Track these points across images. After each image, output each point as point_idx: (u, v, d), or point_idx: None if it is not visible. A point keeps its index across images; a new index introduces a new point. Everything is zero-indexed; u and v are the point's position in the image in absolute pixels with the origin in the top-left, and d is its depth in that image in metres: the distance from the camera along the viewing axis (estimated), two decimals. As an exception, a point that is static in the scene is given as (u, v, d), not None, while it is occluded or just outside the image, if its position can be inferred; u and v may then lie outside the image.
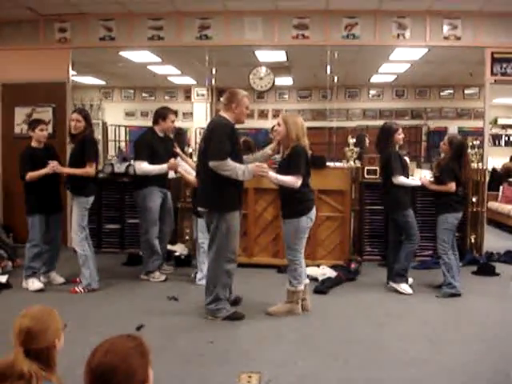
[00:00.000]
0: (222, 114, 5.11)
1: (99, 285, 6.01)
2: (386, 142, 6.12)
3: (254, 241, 7.17)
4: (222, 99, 5.30)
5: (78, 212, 5.92)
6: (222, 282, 5.04)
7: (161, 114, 6.51)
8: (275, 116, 14.69)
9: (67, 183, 6.05)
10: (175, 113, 6.67)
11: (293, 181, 5.01)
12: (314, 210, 5.20)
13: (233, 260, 5.07)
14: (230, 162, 4.80)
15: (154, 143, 6.37)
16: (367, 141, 9.68)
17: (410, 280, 6.15)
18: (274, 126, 5.33)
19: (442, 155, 6.18)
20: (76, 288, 5.91)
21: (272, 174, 5.07)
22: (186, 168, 6.67)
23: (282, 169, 5.14)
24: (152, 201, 6.37)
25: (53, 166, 5.82)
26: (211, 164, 4.79)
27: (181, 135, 9.02)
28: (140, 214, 6.56)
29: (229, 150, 4.80)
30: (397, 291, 6.00)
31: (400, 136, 6.15)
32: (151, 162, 6.29)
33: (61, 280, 6.27)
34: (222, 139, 4.82)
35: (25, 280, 6.01)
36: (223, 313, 5.05)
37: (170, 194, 6.71)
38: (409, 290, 5.99)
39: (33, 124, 6.09)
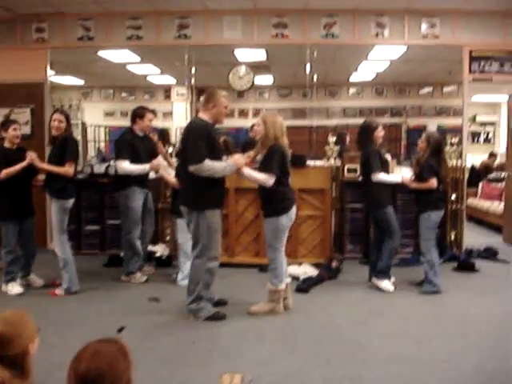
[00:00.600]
0: (201, 114, 5.11)
1: (79, 287, 5.96)
2: (366, 140, 6.15)
3: (235, 240, 7.17)
4: (201, 99, 5.26)
5: (57, 215, 5.84)
6: (203, 280, 5.03)
7: (138, 114, 6.47)
8: (255, 115, 14.67)
9: (45, 185, 5.98)
10: (153, 112, 6.63)
11: (264, 179, 5.04)
12: (293, 209, 5.20)
13: (215, 258, 5.06)
14: (207, 163, 4.79)
15: (134, 142, 6.33)
16: (348, 139, 9.73)
17: (392, 278, 6.18)
18: (254, 125, 5.34)
19: (419, 153, 6.21)
20: (56, 291, 5.86)
21: (245, 170, 5.10)
22: (167, 168, 6.65)
23: (261, 168, 5.16)
24: (134, 201, 6.33)
25: (31, 156, 5.77)
26: (190, 168, 4.80)
27: (165, 135, 9.00)
28: (122, 215, 6.51)
29: (205, 152, 4.79)
30: (378, 289, 6.03)
31: (380, 134, 6.19)
32: (132, 162, 6.25)
33: (40, 282, 6.22)
34: (197, 142, 4.81)
35: (4, 284, 5.96)
36: (204, 312, 5.04)
37: (150, 194, 6.67)
38: (390, 288, 6.03)
39: (5, 124, 6.01)
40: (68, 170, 5.80)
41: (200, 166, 4.76)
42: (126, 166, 6.23)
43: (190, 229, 5.04)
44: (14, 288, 5.91)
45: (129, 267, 6.45)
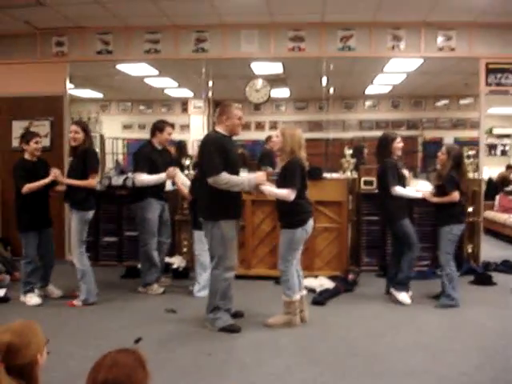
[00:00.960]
0: (216, 127, 5.16)
1: (97, 298, 6.00)
2: (384, 152, 6.15)
3: (251, 252, 7.18)
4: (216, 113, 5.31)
5: (77, 226, 5.89)
6: (221, 290, 5.07)
7: (158, 127, 6.54)
8: (272, 128, 14.75)
9: (66, 197, 6.05)
10: (172, 125, 6.71)
11: (286, 194, 5.05)
12: (310, 222, 5.22)
13: (231, 268, 5.09)
14: (224, 175, 4.83)
15: (152, 155, 6.40)
16: (365, 151, 9.72)
17: (409, 292, 6.16)
18: (270, 136, 5.38)
19: (438, 166, 6.19)
20: (74, 302, 5.91)
21: (266, 188, 5.12)
22: (184, 181, 6.70)
23: (279, 181, 5.19)
24: (151, 212, 6.38)
25: (55, 173, 5.85)
26: (209, 181, 4.85)
27: (182, 148, 9.08)
28: (139, 226, 6.56)
29: (220, 163, 4.83)
30: (395, 302, 6.01)
31: (399, 145, 6.16)
32: (150, 174, 6.31)
33: (58, 293, 6.27)
34: (212, 154, 4.87)
35: (23, 295, 6.02)
36: (220, 323, 5.07)
37: (167, 206, 6.72)
38: (407, 301, 6.00)
39: (27, 136, 6.07)
40: (91, 182, 5.88)
41: (217, 177, 4.81)
42: (143, 177, 6.30)
43: (207, 240, 5.08)
44: (33, 299, 5.96)
45: (146, 279, 6.49)
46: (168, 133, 6.56)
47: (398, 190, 6.04)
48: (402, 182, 6.20)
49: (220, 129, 5.11)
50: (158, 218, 6.46)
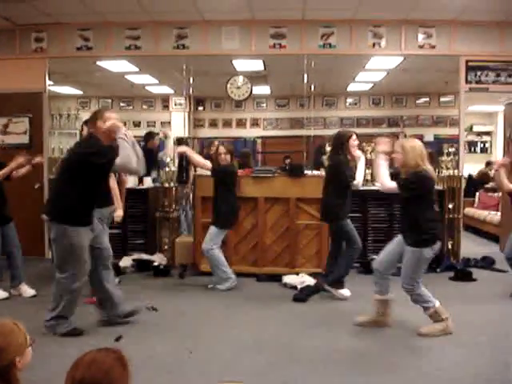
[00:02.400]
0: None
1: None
2: (339, 150, 6.08)
3: (232, 249, 7.17)
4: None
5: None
6: (66, 299, 4.81)
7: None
8: (253, 125, 14.78)
9: None
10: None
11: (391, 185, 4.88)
12: (438, 240, 4.93)
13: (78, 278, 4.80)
14: None
15: None
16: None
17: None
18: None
19: None
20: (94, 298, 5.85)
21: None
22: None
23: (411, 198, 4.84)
24: None
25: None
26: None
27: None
28: None
29: None
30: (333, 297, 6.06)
31: (355, 142, 6.09)
32: None
33: (32, 292, 6.17)
34: None
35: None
36: (61, 329, 4.82)
37: None
38: (347, 294, 6.11)
39: None
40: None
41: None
42: None
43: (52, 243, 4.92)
44: None
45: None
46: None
47: (357, 182, 6.10)
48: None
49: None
50: None
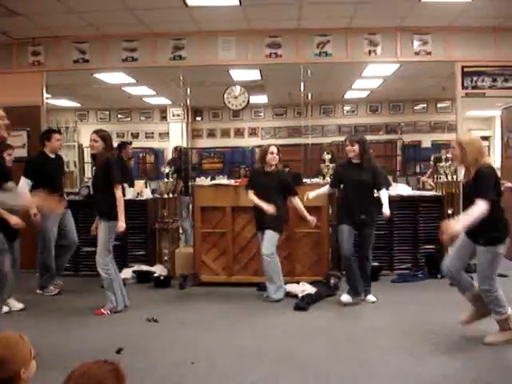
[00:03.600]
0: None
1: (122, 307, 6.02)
2: None
3: (233, 259, 7.17)
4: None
5: (105, 236, 5.86)
6: None
7: (45, 136, 6.83)
8: (251, 134, 14.81)
9: (95, 207, 6.08)
10: (59, 132, 7.13)
11: (481, 210, 4.45)
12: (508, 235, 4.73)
13: None
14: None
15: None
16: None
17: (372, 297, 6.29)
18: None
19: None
20: (102, 310, 5.86)
21: (458, 225, 4.54)
22: None
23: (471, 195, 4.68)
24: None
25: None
26: None
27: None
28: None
29: None
30: (377, 304, 6.03)
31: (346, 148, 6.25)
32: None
33: (20, 306, 6.09)
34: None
35: None
36: None
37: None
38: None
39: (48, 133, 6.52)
40: (116, 193, 5.88)
41: None
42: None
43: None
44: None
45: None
46: (56, 139, 6.78)
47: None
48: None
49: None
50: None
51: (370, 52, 8.12)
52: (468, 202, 4.71)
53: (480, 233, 4.62)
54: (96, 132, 6.00)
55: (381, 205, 6.07)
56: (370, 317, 5.70)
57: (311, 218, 6.57)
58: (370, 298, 6.28)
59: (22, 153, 8.02)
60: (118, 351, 4.59)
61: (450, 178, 7.75)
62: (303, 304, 6.08)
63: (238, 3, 6.95)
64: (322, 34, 8.07)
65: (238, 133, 14.93)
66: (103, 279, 5.89)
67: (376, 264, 7.44)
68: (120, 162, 7.01)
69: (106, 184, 5.83)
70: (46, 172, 6.46)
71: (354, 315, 5.77)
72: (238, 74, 9.70)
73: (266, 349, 4.78)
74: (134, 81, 10.34)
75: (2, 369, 2.08)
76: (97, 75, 9.47)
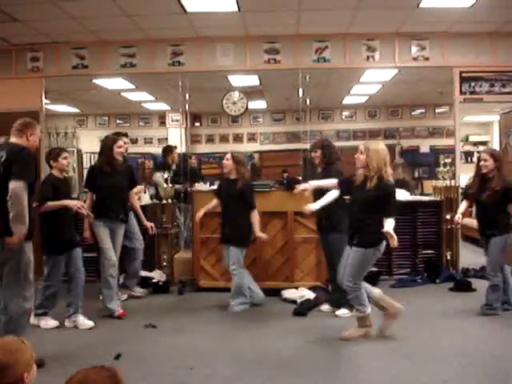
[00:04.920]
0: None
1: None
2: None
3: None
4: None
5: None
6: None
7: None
8: (250, 140, 14.84)
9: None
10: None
11: (393, 223, 4.95)
12: (383, 241, 5.07)
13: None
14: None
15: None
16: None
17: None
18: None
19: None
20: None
21: (388, 229, 4.89)
22: None
23: (368, 202, 4.98)
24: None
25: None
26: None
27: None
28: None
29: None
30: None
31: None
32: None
33: (90, 324, 5.70)
34: None
35: (35, 318, 5.51)
36: None
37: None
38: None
39: (55, 152, 5.78)
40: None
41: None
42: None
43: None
44: (49, 322, 5.69)
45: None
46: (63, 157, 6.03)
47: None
48: None
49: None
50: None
51: (368, 58, 8.13)
52: (356, 204, 5.09)
53: (359, 236, 5.02)
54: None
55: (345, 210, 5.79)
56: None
57: (263, 236, 6.34)
58: (339, 312, 6.06)
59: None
60: (117, 357, 4.59)
61: (448, 182, 7.77)
62: (302, 310, 6.09)
63: (236, 9, 6.97)
64: (320, 39, 8.08)
65: (237, 138, 14.95)
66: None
67: (375, 269, 7.44)
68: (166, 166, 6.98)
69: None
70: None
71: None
72: (236, 80, 9.72)
73: (266, 355, 4.78)
74: (133, 86, 10.36)
75: (6, 374, 2.11)
76: (96, 81, 9.49)
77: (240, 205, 6.21)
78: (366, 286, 5.23)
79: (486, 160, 5.77)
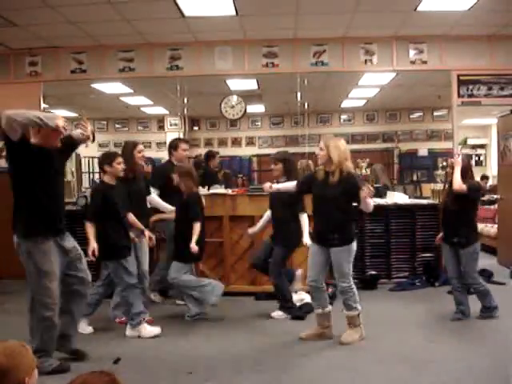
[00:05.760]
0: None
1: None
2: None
3: (230, 268, 7.16)
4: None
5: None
6: (43, 331, 4.33)
7: (171, 145, 6.78)
8: (248, 144, 14.86)
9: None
10: (186, 142, 6.89)
11: (371, 206, 5.07)
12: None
13: (50, 306, 4.33)
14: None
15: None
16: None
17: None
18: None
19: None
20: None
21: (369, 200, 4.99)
22: None
23: (339, 199, 5.02)
24: None
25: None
26: None
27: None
28: None
29: None
30: (375, 314, 6.03)
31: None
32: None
33: (155, 331, 5.52)
34: None
35: (131, 329, 5.44)
36: (48, 367, 4.28)
37: None
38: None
39: (110, 157, 5.51)
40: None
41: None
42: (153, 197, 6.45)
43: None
44: (148, 328, 5.48)
45: None
46: (182, 149, 6.63)
47: None
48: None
49: None
50: None
51: (366, 61, 8.14)
52: (322, 201, 5.10)
53: (337, 233, 5.05)
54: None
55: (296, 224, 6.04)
56: (366, 326, 5.67)
57: (194, 248, 5.88)
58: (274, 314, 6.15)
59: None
60: (116, 361, 4.59)
61: (447, 185, 7.76)
62: (301, 313, 6.08)
63: (234, 13, 6.98)
64: (318, 43, 8.09)
65: (236, 142, 14.98)
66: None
67: (374, 273, 7.46)
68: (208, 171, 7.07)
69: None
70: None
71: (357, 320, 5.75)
72: (234, 84, 9.74)
73: (264, 358, 4.78)
74: (131, 91, 10.37)
75: (8, 378, 2.10)
76: (94, 85, 9.51)
77: (184, 217, 6.00)
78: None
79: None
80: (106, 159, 5.45)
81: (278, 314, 6.11)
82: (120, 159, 5.44)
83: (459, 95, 8.08)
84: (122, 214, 5.42)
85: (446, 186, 6.07)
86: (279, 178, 6.06)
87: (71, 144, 4.73)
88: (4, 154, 4.32)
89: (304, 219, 6.05)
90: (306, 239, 5.88)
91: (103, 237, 5.25)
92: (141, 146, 5.99)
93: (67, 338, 4.62)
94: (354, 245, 5.12)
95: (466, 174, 5.73)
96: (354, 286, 5.18)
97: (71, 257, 4.52)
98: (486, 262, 8.76)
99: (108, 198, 5.32)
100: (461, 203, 5.61)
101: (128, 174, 5.70)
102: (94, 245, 5.11)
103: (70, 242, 4.57)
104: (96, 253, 5.10)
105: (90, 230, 5.22)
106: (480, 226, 10.22)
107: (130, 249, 5.45)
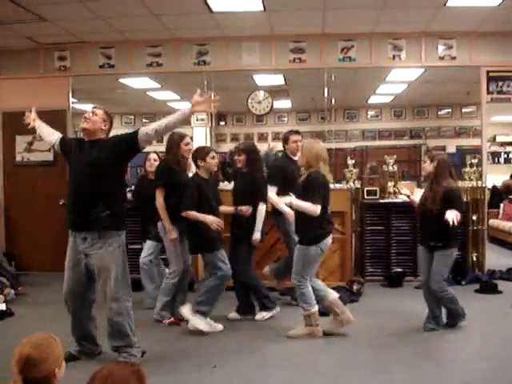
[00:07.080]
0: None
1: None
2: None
3: (256, 265, 7.09)
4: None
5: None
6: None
7: (283, 138, 6.38)
8: (275, 139, 14.82)
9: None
10: (297, 132, 6.35)
11: (312, 209, 4.97)
12: (326, 240, 5.17)
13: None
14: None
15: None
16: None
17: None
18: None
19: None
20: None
21: (294, 200, 5.03)
22: None
23: (299, 195, 5.09)
24: None
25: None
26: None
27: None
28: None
29: None
30: (405, 312, 5.99)
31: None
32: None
33: (218, 327, 5.50)
34: None
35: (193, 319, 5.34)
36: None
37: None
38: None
39: (204, 151, 5.54)
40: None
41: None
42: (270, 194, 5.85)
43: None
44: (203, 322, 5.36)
45: None
46: (293, 141, 6.16)
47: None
48: None
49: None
50: None
51: (394, 57, 8.08)
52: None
53: (300, 233, 5.23)
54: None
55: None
56: (392, 324, 5.64)
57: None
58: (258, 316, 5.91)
59: (48, 157, 8.11)
60: (142, 354, 4.62)
61: (474, 183, 7.67)
62: (325, 310, 6.05)
63: (262, 9, 6.98)
64: (346, 39, 8.06)
65: (262, 137, 14.94)
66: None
67: (399, 270, 7.41)
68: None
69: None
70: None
71: (377, 322, 5.71)
72: (261, 79, 9.73)
73: (289, 355, 4.78)
74: (158, 85, 10.42)
75: (39, 368, 2.19)
76: (122, 80, 9.57)
77: None
78: (321, 286, 5.36)
79: (424, 161, 5.44)
80: (200, 154, 5.49)
81: (261, 315, 5.86)
82: (213, 154, 5.50)
83: (488, 92, 7.99)
84: (214, 207, 5.47)
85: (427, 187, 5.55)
86: (242, 168, 5.85)
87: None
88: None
89: (260, 210, 5.72)
90: (256, 235, 5.69)
91: (200, 230, 5.32)
92: (188, 139, 5.79)
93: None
94: (313, 249, 5.09)
95: (443, 176, 5.24)
96: (304, 286, 5.17)
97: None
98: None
99: (202, 191, 5.36)
100: (442, 206, 5.06)
101: (174, 167, 5.63)
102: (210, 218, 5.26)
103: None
104: (222, 225, 5.32)
105: (195, 213, 5.28)
106: (508, 225, 10.19)
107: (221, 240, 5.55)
